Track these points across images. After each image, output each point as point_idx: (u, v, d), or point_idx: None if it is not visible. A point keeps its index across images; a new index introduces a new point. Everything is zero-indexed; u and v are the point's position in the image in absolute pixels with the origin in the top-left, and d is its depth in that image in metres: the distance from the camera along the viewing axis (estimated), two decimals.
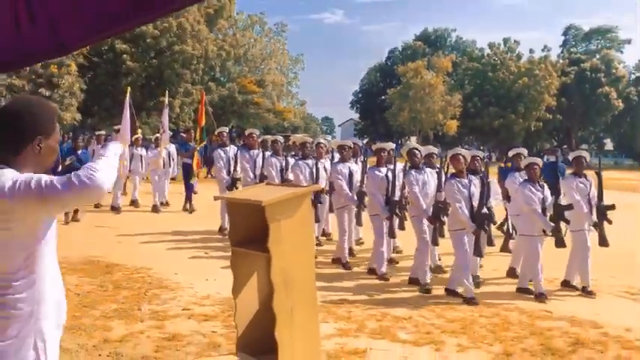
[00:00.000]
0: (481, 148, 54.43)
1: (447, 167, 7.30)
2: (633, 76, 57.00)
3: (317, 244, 8.84)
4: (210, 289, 6.61)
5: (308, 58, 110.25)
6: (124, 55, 28.54)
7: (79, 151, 10.97)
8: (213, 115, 27.63)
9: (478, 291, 6.73)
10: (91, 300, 6.09)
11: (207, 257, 8.50)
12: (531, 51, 54.65)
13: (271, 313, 4.08)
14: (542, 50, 55.21)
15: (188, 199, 13.13)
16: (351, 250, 8.57)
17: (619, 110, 52.28)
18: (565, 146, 49.90)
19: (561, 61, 54.50)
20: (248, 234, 4.41)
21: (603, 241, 6.87)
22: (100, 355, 4.63)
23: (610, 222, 6.96)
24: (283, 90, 45.62)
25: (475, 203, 6.49)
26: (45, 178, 1.87)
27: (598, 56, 55.27)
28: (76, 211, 11.21)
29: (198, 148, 12.57)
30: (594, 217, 6.94)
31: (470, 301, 6.37)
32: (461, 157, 6.75)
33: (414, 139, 46.07)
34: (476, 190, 6.59)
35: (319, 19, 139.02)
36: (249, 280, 4.55)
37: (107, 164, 1.94)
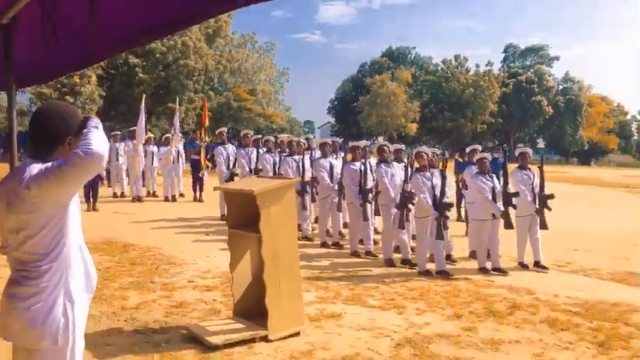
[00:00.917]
0: (436, 146, 54.82)
1: (413, 162, 7.24)
2: (561, 87, 57.61)
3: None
4: (211, 265, 6.60)
5: (292, 72, 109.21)
6: (137, 68, 28.23)
7: None
8: (212, 120, 27.39)
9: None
10: (111, 274, 6.05)
11: (209, 239, 8.46)
12: (477, 66, 54.72)
13: (262, 283, 4.10)
14: (486, 65, 55.28)
15: (194, 190, 13.10)
16: (335, 232, 8.54)
17: (549, 115, 52.81)
18: (505, 145, 50.45)
19: (502, 74, 54.73)
20: (242, 218, 4.42)
21: (543, 225, 6.89)
22: (118, 320, 4.61)
23: (550, 209, 6.92)
24: (272, 98, 45.17)
25: (437, 193, 6.48)
26: (55, 163, 1.89)
27: (532, 70, 55.67)
28: (95, 203, 11.06)
29: (203, 146, 12.57)
30: (537, 205, 6.88)
31: (425, 273, 6.45)
32: (424, 154, 6.76)
33: (381, 138, 45.92)
34: (437, 181, 6.60)
35: (301, 38, 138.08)
36: (243, 256, 4.56)
37: (95, 136, 1.93)
